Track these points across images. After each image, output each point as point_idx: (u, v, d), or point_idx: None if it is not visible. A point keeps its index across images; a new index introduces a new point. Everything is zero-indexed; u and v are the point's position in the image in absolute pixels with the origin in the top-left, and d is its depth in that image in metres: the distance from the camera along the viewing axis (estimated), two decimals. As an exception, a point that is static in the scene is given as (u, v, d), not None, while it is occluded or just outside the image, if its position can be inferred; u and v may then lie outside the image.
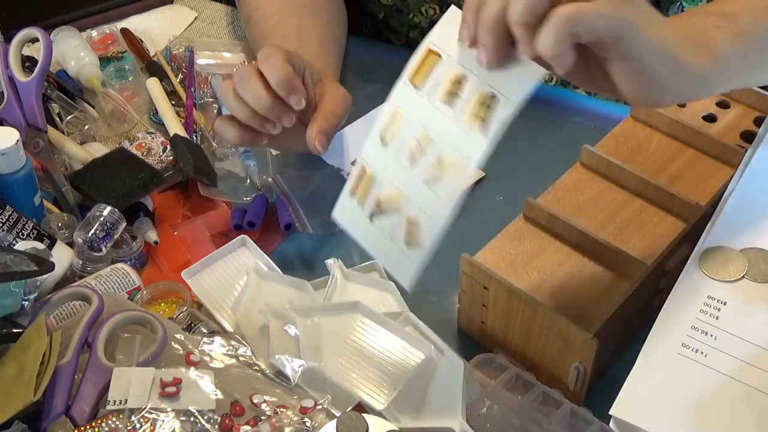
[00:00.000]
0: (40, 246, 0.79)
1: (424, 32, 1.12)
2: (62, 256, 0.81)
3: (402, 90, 0.68)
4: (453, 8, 0.66)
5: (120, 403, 0.65)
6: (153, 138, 0.94)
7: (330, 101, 0.85)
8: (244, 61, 1.08)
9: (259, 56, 0.81)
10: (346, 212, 0.72)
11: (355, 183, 0.71)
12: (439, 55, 0.67)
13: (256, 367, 0.72)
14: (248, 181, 0.93)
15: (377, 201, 0.69)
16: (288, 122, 0.82)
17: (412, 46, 1.14)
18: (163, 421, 0.65)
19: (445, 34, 0.66)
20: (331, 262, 0.80)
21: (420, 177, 0.66)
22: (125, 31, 1.13)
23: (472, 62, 0.63)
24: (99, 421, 0.64)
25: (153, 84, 1.01)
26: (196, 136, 0.96)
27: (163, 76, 1.04)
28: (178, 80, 1.04)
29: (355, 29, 1.12)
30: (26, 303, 0.74)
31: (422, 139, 0.66)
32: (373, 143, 0.70)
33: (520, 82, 0.61)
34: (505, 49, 0.60)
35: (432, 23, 1.09)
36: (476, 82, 0.63)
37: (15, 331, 0.71)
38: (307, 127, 0.83)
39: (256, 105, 0.80)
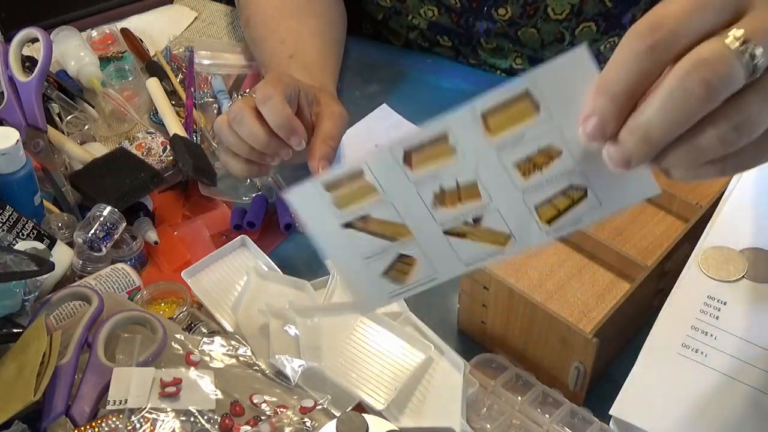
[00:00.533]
0: (40, 246, 0.79)
1: (423, 33, 1.13)
2: (62, 256, 0.81)
3: (464, 119, 0.52)
4: (583, 49, 0.49)
5: (120, 403, 0.65)
6: (153, 138, 0.94)
7: (327, 125, 0.85)
8: (245, 64, 1.08)
9: (257, 96, 0.80)
10: (308, 200, 0.57)
11: (341, 181, 0.56)
12: (537, 109, 0.51)
13: (256, 367, 0.72)
14: (248, 181, 0.93)
15: (367, 218, 0.57)
16: (286, 155, 0.82)
17: (411, 46, 1.15)
18: (163, 421, 0.65)
19: (554, 82, 0.50)
20: (331, 263, 0.80)
21: (440, 224, 0.55)
22: (125, 31, 1.13)
23: (575, 141, 0.50)
24: (99, 421, 0.64)
25: (153, 84, 1.01)
26: (196, 136, 0.96)
27: (163, 76, 1.04)
28: (178, 80, 1.04)
29: (355, 30, 1.12)
30: (26, 303, 0.74)
31: (465, 187, 0.54)
32: (390, 156, 0.55)
33: (627, 192, 0.52)
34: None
35: (431, 25, 1.10)
36: (571, 167, 0.51)
37: (15, 331, 0.71)
38: (308, 154, 0.83)
39: (252, 142, 0.81)
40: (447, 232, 0.56)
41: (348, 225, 0.57)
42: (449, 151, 0.54)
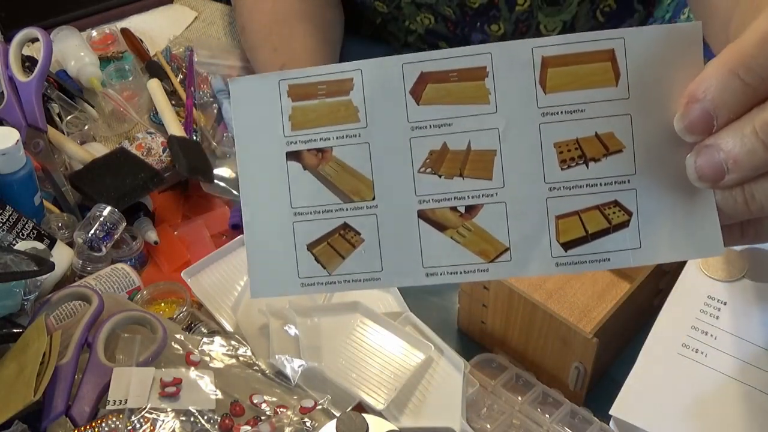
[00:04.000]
0: (40, 246, 0.79)
1: (422, 38, 1.13)
2: (62, 256, 0.81)
3: (517, 53, 0.40)
4: (697, 25, 0.40)
5: (120, 403, 0.65)
6: (153, 138, 0.94)
7: None
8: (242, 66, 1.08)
9: None
10: (255, 100, 0.42)
11: (316, 87, 0.42)
12: (616, 77, 0.39)
13: (256, 367, 0.72)
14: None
15: (325, 153, 0.42)
16: None
17: (410, 47, 1.15)
18: (163, 421, 0.65)
19: (651, 52, 0.39)
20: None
21: (419, 198, 0.41)
22: (125, 31, 1.13)
23: (651, 136, 0.39)
24: (99, 421, 0.64)
25: (154, 85, 1.01)
26: (196, 136, 0.96)
27: (163, 76, 1.04)
28: (178, 80, 1.04)
29: (354, 31, 1.12)
30: (26, 303, 0.74)
31: (477, 154, 0.40)
32: (397, 73, 0.41)
33: (681, 240, 0.40)
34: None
35: (427, 31, 1.10)
36: (628, 174, 0.40)
37: (15, 331, 0.71)
38: None
39: None
40: (422, 214, 0.41)
41: (293, 155, 0.42)
42: (481, 91, 0.40)
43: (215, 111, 1.00)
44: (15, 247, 0.77)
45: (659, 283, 0.75)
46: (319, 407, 0.68)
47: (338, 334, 0.74)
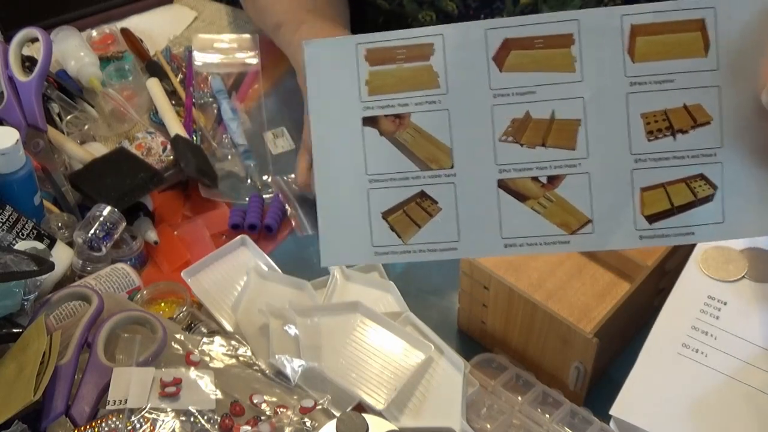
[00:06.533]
0: (40, 246, 0.79)
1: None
2: (62, 256, 0.81)
3: (605, 21, 0.38)
4: None
5: (120, 403, 0.65)
6: (153, 138, 0.94)
7: None
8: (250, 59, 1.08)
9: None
10: (330, 64, 0.40)
11: (395, 52, 0.40)
12: (706, 47, 0.37)
13: (256, 367, 0.72)
14: (248, 181, 0.93)
15: (403, 119, 0.40)
16: None
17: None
18: (163, 421, 0.65)
19: (741, 22, 0.37)
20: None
21: (499, 168, 0.40)
22: (125, 31, 1.13)
23: (740, 108, 0.37)
24: (99, 421, 0.64)
25: (153, 84, 1.01)
26: (195, 136, 0.96)
27: (163, 76, 1.04)
28: (178, 80, 1.04)
29: (357, 30, 1.12)
30: (26, 303, 0.74)
31: (561, 124, 0.39)
32: (480, 38, 0.38)
33: (764, 215, 0.40)
34: None
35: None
36: (715, 147, 0.39)
37: (15, 331, 0.71)
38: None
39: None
40: (503, 184, 0.40)
41: (369, 121, 0.40)
42: (566, 59, 0.38)
43: (215, 111, 1.00)
44: (15, 247, 0.77)
45: (659, 283, 0.75)
46: (319, 407, 0.68)
47: (338, 334, 0.74)
